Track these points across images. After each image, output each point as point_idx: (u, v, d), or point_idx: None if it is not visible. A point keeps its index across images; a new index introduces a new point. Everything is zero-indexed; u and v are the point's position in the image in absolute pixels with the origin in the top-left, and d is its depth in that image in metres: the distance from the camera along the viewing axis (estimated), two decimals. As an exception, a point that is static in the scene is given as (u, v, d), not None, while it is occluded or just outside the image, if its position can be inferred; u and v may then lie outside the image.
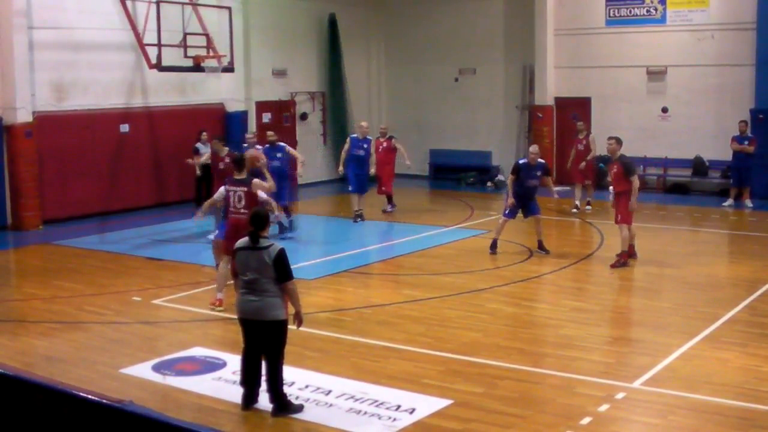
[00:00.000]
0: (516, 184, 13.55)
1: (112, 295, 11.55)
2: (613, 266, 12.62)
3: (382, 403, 7.46)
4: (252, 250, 7.24)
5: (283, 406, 7.32)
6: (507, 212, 13.67)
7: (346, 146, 17.03)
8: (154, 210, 18.42)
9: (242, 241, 7.37)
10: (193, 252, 14.40)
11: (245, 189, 10.33)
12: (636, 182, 12.66)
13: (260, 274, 7.19)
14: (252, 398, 7.46)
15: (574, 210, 17.68)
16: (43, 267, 13.35)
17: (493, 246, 13.71)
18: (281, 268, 7.19)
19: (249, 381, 7.44)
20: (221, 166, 14.31)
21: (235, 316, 7.67)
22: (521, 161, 13.91)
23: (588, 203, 17.93)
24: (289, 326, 7.36)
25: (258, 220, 7.31)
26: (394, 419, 7.15)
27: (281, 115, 22.10)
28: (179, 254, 14.13)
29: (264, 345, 7.34)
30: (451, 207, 19.09)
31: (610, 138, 13.23)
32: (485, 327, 9.87)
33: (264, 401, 7.37)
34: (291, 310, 7.37)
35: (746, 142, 18.21)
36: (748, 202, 18.39)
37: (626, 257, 12.78)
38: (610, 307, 10.73)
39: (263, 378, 7.41)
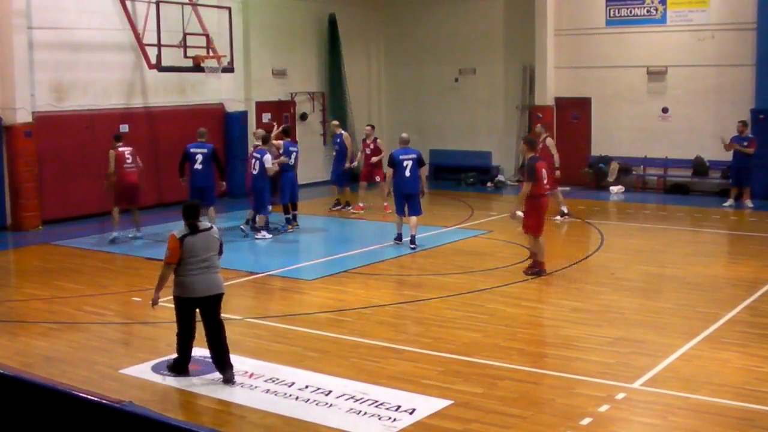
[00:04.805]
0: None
1: (111, 295, 11.55)
2: (526, 272, 12.26)
3: (382, 404, 7.46)
4: (205, 232, 8.01)
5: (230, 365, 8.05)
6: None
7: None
8: (154, 210, 18.40)
9: (187, 229, 7.95)
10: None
11: None
12: (525, 188, 11.95)
13: (213, 251, 8.05)
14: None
15: (559, 217, 16.55)
16: (43, 267, 13.33)
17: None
18: (221, 244, 8.24)
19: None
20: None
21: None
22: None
23: (563, 213, 16.76)
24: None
25: (192, 211, 8.04)
26: (394, 419, 7.15)
27: (281, 116, 22.09)
28: (179, 254, 14.11)
29: (215, 317, 8.01)
30: (451, 207, 19.09)
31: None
32: (485, 327, 9.87)
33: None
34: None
35: (745, 143, 18.19)
36: (749, 203, 18.38)
37: (542, 266, 12.17)
38: (610, 307, 10.71)
39: (210, 349, 8.06)
